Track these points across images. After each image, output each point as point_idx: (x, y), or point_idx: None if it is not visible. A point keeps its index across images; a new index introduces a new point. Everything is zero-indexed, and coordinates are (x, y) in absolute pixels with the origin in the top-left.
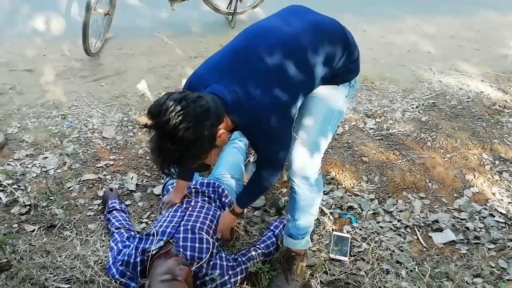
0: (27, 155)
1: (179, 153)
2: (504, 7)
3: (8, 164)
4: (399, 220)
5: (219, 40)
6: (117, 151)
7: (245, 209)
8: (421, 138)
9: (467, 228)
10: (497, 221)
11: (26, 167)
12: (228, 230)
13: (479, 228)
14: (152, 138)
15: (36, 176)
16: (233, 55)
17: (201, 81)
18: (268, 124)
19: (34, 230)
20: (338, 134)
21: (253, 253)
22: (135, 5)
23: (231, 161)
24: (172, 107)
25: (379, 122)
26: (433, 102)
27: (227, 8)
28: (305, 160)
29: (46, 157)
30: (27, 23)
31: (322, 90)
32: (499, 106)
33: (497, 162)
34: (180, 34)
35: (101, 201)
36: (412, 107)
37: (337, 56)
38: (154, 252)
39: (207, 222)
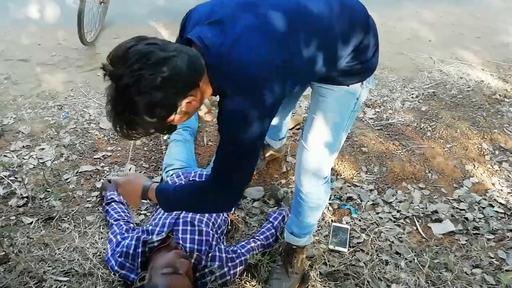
0: (23, 147)
1: (130, 116)
2: None
3: (5, 156)
4: (398, 211)
5: None
6: (114, 142)
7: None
8: (421, 128)
9: (467, 218)
10: (496, 211)
11: (23, 158)
12: (131, 200)
13: (478, 218)
14: (108, 86)
15: (33, 167)
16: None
17: (199, 21)
18: (246, 97)
19: (32, 222)
20: None
21: (252, 244)
22: None
23: None
24: (131, 62)
25: (378, 112)
26: (433, 92)
27: None
28: (317, 164)
29: (43, 149)
30: (21, 10)
31: (330, 94)
32: (499, 95)
33: (497, 152)
34: (177, 21)
35: (99, 192)
36: (412, 97)
37: (357, 44)
38: (156, 244)
39: (206, 214)
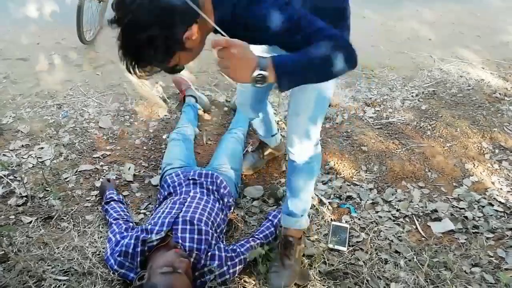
0: (22, 146)
1: (136, 54)
2: None
3: (4, 155)
4: (398, 210)
5: None
6: (113, 141)
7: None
8: (421, 127)
9: (466, 217)
10: (496, 210)
11: (22, 157)
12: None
13: (478, 217)
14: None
15: (32, 166)
16: None
17: None
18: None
19: (31, 221)
20: (337, 123)
21: (252, 243)
22: None
23: (230, 151)
24: (129, 2)
25: (378, 110)
26: (433, 90)
27: None
28: (305, 127)
29: (42, 148)
30: (20, 9)
31: None
32: (499, 94)
33: (497, 150)
34: None
35: (98, 192)
36: (412, 96)
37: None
38: (155, 243)
39: (206, 213)
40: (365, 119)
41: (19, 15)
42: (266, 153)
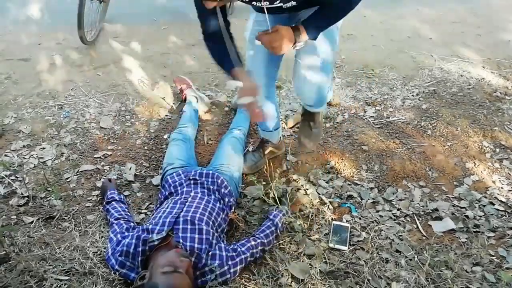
0: (24, 146)
1: None
2: None
3: (5, 155)
4: (398, 209)
5: None
6: (115, 141)
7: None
8: (421, 126)
9: (467, 216)
10: (497, 209)
11: (24, 158)
12: (281, 46)
13: (478, 216)
14: None
15: (34, 167)
16: None
17: None
18: None
19: (32, 221)
20: (337, 123)
21: (253, 243)
22: None
23: (230, 151)
24: None
25: (379, 110)
26: (434, 90)
27: None
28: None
29: (44, 148)
30: (21, 10)
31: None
32: (500, 93)
33: (497, 149)
34: (177, 20)
35: (99, 192)
36: (413, 95)
37: None
38: (156, 242)
39: (206, 213)
40: (366, 118)
41: (21, 15)
42: (266, 152)
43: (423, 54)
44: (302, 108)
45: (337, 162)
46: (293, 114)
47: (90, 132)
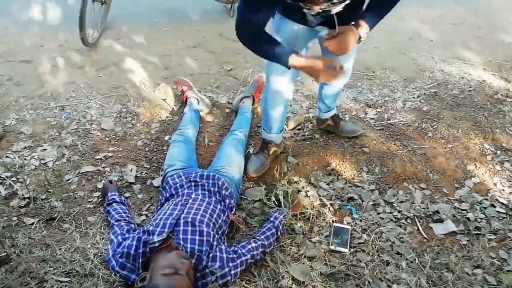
0: (25, 147)
1: None
2: None
3: (7, 157)
4: (399, 211)
5: (217, 29)
6: (116, 142)
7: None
8: (422, 128)
9: (468, 218)
10: (498, 211)
11: (25, 159)
12: (350, 46)
13: (480, 218)
14: None
15: (35, 168)
16: None
17: None
18: None
19: (33, 223)
20: None
21: (253, 244)
22: None
23: (231, 153)
24: None
25: (380, 112)
26: (435, 92)
27: None
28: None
29: (45, 149)
30: (23, 12)
31: None
32: (501, 95)
33: (498, 152)
34: (178, 22)
35: (100, 193)
36: (413, 97)
37: None
38: (157, 244)
39: (207, 215)
40: (367, 120)
41: (23, 17)
42: (271, 152)
43: (424, 56)
44: (320, 120)
45: (338, 164)
46: (294, 116)
47: (91, 133)
